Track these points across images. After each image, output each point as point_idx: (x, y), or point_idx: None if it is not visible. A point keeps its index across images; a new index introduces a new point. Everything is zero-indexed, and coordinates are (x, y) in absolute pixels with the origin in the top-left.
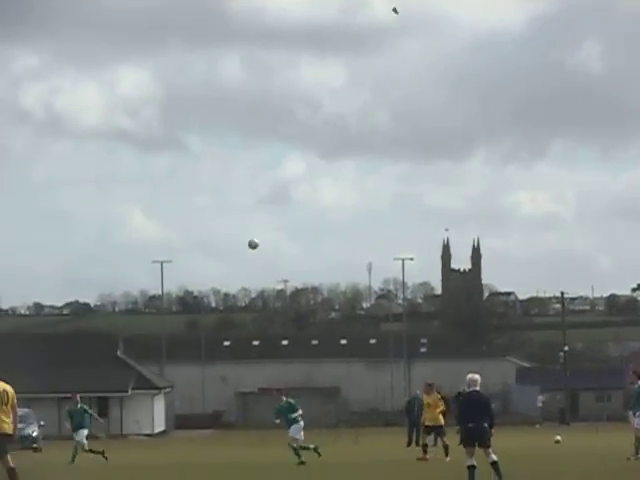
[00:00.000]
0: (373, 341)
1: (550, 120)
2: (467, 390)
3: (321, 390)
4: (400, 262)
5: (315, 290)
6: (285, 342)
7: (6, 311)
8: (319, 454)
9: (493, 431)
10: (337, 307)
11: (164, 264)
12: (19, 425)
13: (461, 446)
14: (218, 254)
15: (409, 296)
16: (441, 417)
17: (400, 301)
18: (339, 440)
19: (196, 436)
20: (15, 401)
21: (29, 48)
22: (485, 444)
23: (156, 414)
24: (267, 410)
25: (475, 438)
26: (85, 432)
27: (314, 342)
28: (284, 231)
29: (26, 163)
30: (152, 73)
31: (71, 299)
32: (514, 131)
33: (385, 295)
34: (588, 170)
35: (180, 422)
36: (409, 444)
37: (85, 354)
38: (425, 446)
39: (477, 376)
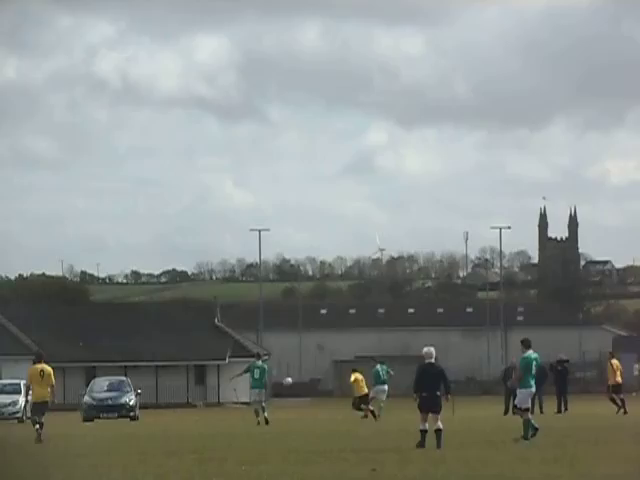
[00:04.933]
0: (470, 310)
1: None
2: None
3: (418, 358)
4: (496, 231)
5: (411, 258)
6: (381, 310)
7: (104, 279)
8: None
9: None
10: (433, 276)
11: (261, 232)
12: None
13: None
14: (311, 222)
15: (506, 265)
16: None
17: (497, 270)
18: None
19: (293, 404)
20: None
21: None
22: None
23: None
24: (365, 377)
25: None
26: None
27: (410, 310)
28: (372, 200)
29: None
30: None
31: (169, 267)
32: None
33: (481, 264)
34: None
35: (277, 390)
36: (506, 412)
37: (182, 322)
38: None
39: (432, 349)
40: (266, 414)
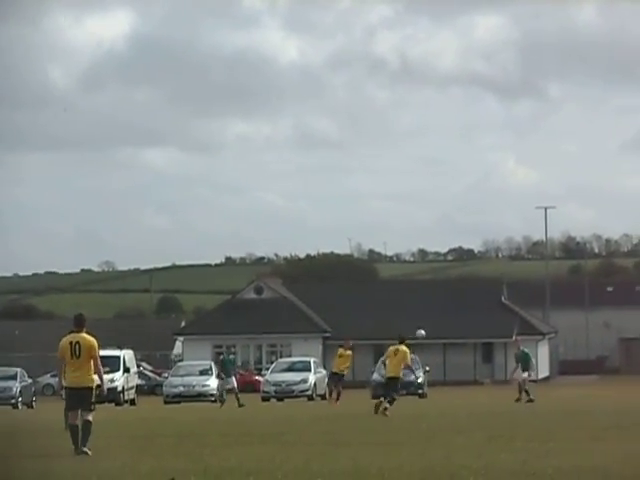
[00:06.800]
0: None
1: None
2: None
3: None
4: None
5: None
6: None
7: (391, 257)
8: None
9: None
10: None
11: (547, 210)
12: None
13: None
14: (595, 199)
15: None
16: None
17: None
18: None
19: (579, 382)
20: (95, 353)
21: None
22: None
23: (540, 360)
24: None
25: None
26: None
27: None
28: None
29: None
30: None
31: (454, 245)
32: None
33: None
34: None
35: (564, 368)
36: None
37: (469, 300)
38: None
39: None
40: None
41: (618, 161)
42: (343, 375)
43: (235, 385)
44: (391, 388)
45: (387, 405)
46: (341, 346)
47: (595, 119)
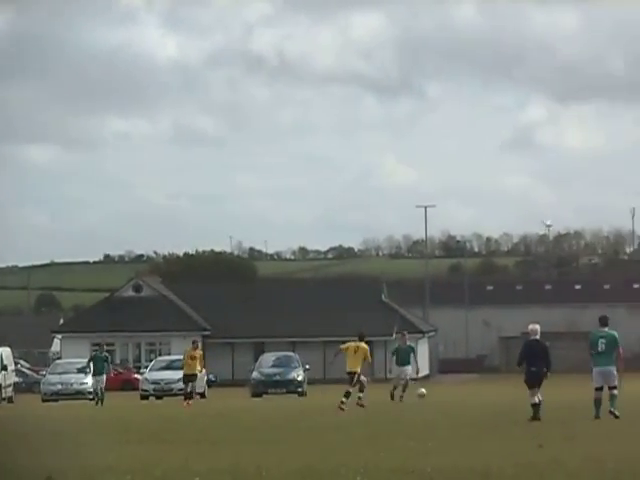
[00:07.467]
0: (637, 286)
1: None
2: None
3: (585, 335)
4: None
5: (578, 235)
6: (548, 287)
7: (272, 255)
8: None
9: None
10: (600, 252)
11: (427, 209)
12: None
13: None
14: (475, 198)
15: None
16: None
17: None
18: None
19: (460, 380)
20: None
21: None
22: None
23: (420, 358)
24: None
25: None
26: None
27: (577, 287)
28: (534, 176)
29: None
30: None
31: (335, 244)
32: None
33: None
34: None
35: (444, 366)
36: None
37: (350, 298)
38: None
39: (537, 326)
40: None
41: (497, 160)
42: (196, 375)
43: (103, 384)
44: (355, 380)
45: (360, 395)
46: (193, 347)
47: (474, 118)
